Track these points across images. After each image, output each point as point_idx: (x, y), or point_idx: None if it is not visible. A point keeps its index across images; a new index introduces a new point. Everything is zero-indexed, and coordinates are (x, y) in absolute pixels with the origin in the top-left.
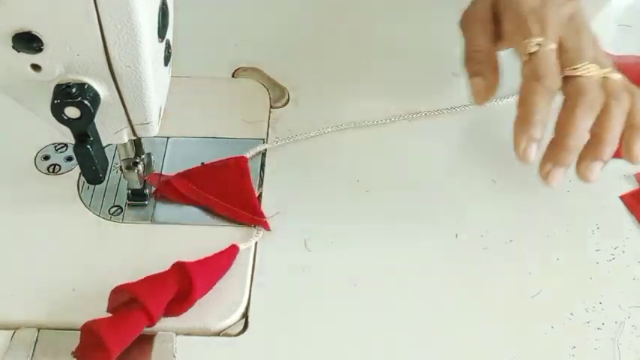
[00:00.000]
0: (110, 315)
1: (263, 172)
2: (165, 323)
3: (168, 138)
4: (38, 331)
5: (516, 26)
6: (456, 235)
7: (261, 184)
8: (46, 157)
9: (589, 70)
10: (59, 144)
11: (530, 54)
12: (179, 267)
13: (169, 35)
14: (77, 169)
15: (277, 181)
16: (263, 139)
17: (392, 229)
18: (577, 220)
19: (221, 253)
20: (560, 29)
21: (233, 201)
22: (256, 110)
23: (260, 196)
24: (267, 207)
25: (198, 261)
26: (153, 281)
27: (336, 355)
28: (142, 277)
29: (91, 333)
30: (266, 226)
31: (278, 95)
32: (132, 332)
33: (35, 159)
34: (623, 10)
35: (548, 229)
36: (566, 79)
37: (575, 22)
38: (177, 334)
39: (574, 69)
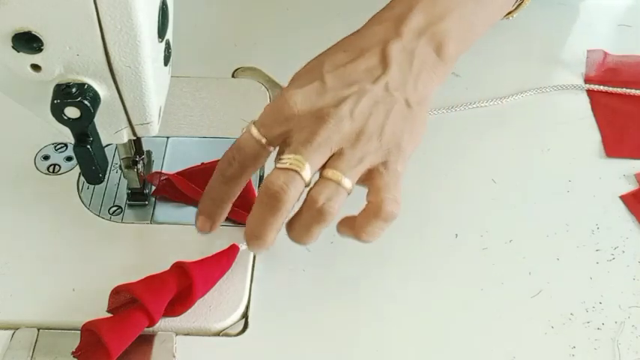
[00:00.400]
0: (110, 315)
1: (263, 172)
2: (165, 323)
3: (168, 138)
4: (38, 331)
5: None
6: (456, 235)
7: (260, 184)
8: (46, 157)
9: (284, 163)
10: (59, 144)
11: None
12: (179, 267)
13: (169, 35)
14: (77, 169)
15: None
16: None
17: (392, 229)
18: (577, 220)
19: (221, 252)
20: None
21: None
22: (256, 110)
23: None
24: None
25: (199, 261)
26: (153, 281)
27: (336, 355)
28: (142, 277)
29: (91, 333)
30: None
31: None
32: (132, 332)
33: (35, 159)
34: (623, 10)
35: (548, 229)
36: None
37: (332, 111)
38: (177, 334)
39: (277, 158)
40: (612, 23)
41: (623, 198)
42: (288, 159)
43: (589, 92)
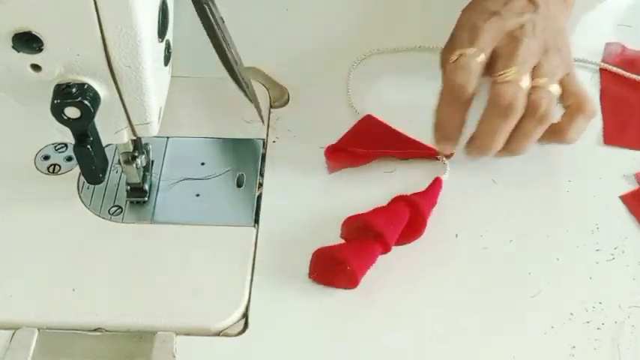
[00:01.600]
0: (343, 242)
1: (263, 172)
2: (165, 323)
3: (168, 138)
4: (38, 331)
5: (449, 40)
6: (456, 234)
7: (260, 184)
8: (46, 157)
9: (507, 76)
10: (59, 144)
11: (452, 62)
12: (405, 199)
13: (169, 35)
14: (77, 169)
15: (277, 181)
16: (263, 139)
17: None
18: (577, 220)
19: (432, 185)
20: (494, 40)
21: (400, 146)
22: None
23: (260, 196)
24: (267, 206)
25: (418, 194)
26: (387, 212)
27: (336, 355)
28: (142, 277)
29: (326, 257)
30: (446, 155)
31: (278, 95)
32: (372, 258)
33: (35, 159)
34: (623, 10)
35: (548, 229)
36: (492, 85)
37: (519, 32)
38: (177, 334)
39: (497, 75)
40: (612, 23)
41: (623, 198)
42: (509, 72)
43: (602, 75)
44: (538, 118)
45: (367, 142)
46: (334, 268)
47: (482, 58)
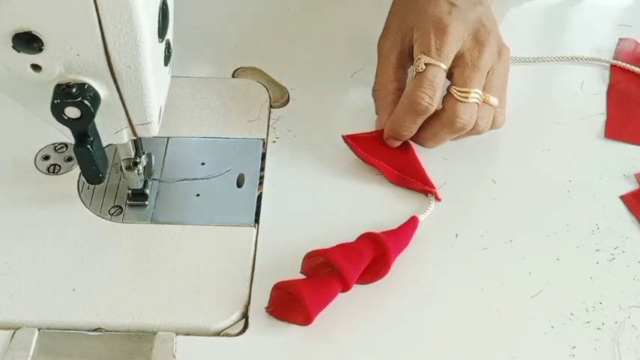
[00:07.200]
0: (303, 277)
1: (263, 172)
2: (165, 323)
3: (168, 138)
4: (38, 331)
5: (417, 44)
6: (456, 235)
7: (260, 184)
8: (46, 157)
9: (469, 98)
10: (59, 144)
11: (418, 73)
12: (371, 237)
13: (169, 35)
14: (77, 169)
15: (277, 181)
16: (263, 139)
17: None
18: (577, 219)
19: (406, 225)
20: (459, 43)
21: (402, 169)
22: (256, 110)
23: (260, 196)
24: (267, 206)
25: (388, 232)
26: (349, 250)
27: (336, 355)
28: (141, 277)
29: (284, 292)
30: (436, 196)
31: (278, 95)
32: (329, 296)
33: (35, 159)
34: (623, 10)
35: (548, 229)
36: (450, 99)
37: (482, 34)
38: (177, 334)
39: (457, 91)
40: (612, 23)
41: (623, 198)
42: (471, 94)
43: (612, 71)
44: (474, 133)
45: (377, 148)
46: (290, 302)
47: (447, 66)
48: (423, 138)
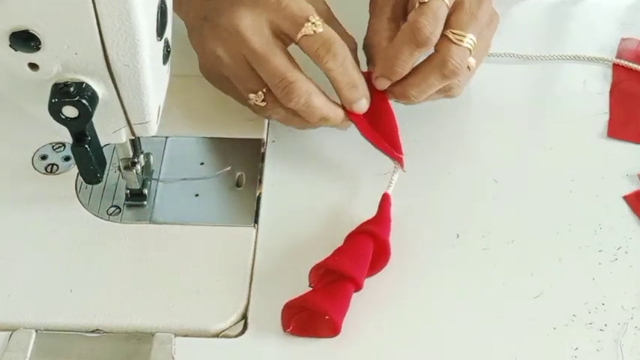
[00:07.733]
0: (311, 289)
1: (262, 172)
2: (164, 324)
3: (167, 137)
4: (35, 332)
5: None
6: (457, 235)
7: (260, 184)
8: (44, 157)
9: (464, 42)
10: (57, 144)
11: (421, 3)
12: (366, 232)
13: (168, 34)
14: (75, 169)
15: (277, 181)
16: (263, 139)
17: (393, 229)
18: (579, 220)
19: (383, 206)
20: None
21: (377, 127)
22: None
23: (259, 196)
24: (266, 206)
25: (372, 220)
26: (351, 251)
27: (336, 356)
28: (141, 277)
29: (298, 309)
30: (402, 165)
31: None
32: (346, 301)
33: (33, 159)
34: (623, 9)
35: (550, 230)
36: (445, 42)
37: None
38: (176, 336)
39: (454, 33)
40: (615, 22)
41: (626, 198)
42: (467, 39)
43: (614, 70)
44: (449, 95)
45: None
46: (311, 318)
47: (450, 3)
48: (409, 84)
